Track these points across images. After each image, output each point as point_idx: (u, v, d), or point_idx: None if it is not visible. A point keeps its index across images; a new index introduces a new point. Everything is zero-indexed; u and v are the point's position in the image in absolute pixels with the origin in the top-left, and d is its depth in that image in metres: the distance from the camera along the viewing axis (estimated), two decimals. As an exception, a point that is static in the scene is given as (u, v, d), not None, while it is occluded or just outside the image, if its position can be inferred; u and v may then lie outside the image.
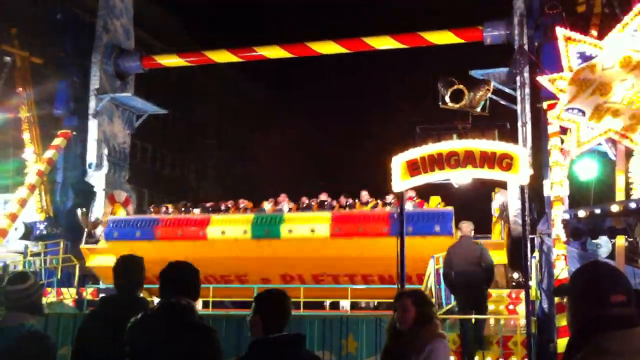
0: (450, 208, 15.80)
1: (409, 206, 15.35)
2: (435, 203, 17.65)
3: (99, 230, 18.58)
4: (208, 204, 18.89)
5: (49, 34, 20.98)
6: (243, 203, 17.89)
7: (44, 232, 18.85)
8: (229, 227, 16.16)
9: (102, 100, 19.89)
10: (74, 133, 19.81)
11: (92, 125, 19.86)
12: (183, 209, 18.20)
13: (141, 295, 4.92)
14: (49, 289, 16.96)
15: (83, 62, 20.31)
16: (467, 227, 11.54)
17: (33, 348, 4.36)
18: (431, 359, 4.70)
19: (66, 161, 19.98)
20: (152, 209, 19.06)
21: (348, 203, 16.80)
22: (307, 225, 15.62)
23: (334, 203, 16.96)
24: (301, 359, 3.90)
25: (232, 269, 16.75)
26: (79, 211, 18.35)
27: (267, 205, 17.41)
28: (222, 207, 17.99)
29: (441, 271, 13.57)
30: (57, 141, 19.41)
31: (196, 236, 16.08)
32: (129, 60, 20.81)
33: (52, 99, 20.31)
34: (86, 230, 18.13)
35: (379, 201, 16.60)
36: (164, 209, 18.66)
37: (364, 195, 16.82)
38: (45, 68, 20.80)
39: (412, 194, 16.37)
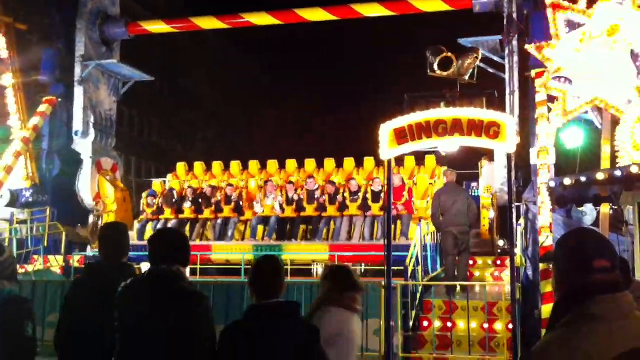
0: None
1: (402, 239, 15.45)
2: (431, 163, 17.67)
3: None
4: (194, 186, 18.67)
5: (34, 0, 20.67)
6: (232, 193, 17.64)
7: (30, 199, 18.77)
8: (232, 253, 16.49)
9: (88, 67, 19.74)
10: (59, 100, 19.65)
11: (78, 92, 19.78)
12: (173, 201, 18.07)
13: (126, 262, 4.95)
14: (35, 257, 16.97)
15: (68, 29, 20.08)
16: (452, 174, 13.32)
17: (14, 310, 4.64)
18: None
19: (52, 128, 19.83)
20: (142, 201, 18.99)
21: (337, 196, 16.59)
22: (306, 254, 16.15)
23: (322, 199, 16.71)
24: (295, 327, 3.93)
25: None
26: (76, 230, 18.38)
27: (257, 206, 17.17)
28: (211, 198, 17.76)
29: (428, 238, 13.75)
30: (43, 108, 19.24)
31: (202, 259, 16.17)
32: (115, 26, 20.58)
33: (37, 66, 20.06)
34: (89, 238, 18.15)
35: (367, 195, 16.32)
36: (150, 198, 18.44)
37: (353, 184, 16.59)
38: (30, 34, 20.51)
39: (399, 181, 15.78)
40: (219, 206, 17.58)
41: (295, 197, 16.94)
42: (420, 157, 17.95)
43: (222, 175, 19.85)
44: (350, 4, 18.69)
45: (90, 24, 20.12)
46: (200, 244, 16.58)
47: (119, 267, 4.74)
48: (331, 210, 16.58)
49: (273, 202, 16.85)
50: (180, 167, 20.56)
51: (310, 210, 16.76)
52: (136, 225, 18.20)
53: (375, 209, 15.99)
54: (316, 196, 16.77)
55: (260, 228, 17.03)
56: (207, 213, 17.69)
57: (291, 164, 19.52)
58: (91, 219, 19.13)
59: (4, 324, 4.51)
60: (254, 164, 19.68)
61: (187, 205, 17.83)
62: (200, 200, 17.82)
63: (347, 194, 16.50)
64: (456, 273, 12.78)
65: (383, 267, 9.57)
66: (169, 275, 4.10)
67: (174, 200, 17.99)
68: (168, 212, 17.90)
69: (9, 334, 4.51)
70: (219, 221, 17.46)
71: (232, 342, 3.87)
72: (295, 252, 15.87)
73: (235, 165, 19.89)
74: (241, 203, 17.55)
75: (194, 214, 17.83)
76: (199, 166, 20.36)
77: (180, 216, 17.85)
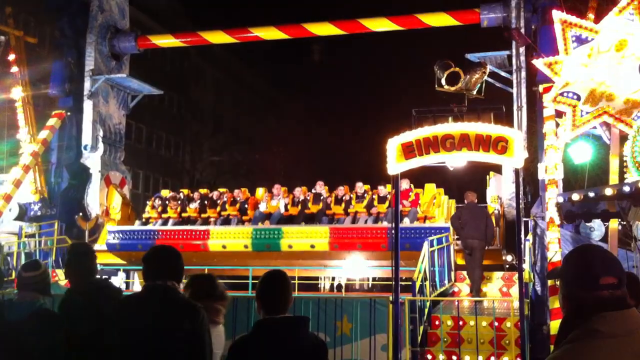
0: (447, 224, 15.65)
1: (406, 222, 15.56)
2: (430, 192, 17.57)
3: (100, 220, 18.79)
4: (203, 192, 18.82)
5: (44, 14, 20.80)
6: (238, 195, 17.86)
7: (39, 213, 18.80)
8: (229, 240, 16.32)
9: (97, 82, 19.80)
10: (69, 113, 19.71)
11: (87, 106, 19.80)
12: (179, 201, 18.21)
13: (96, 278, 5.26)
14: (43, 270, 16.98)
15: (78, 42, 20.14)
16: (473, 195, 14.50)
17: (44, 323, 4.73)
18: None
19: (60, 142, 19.86)
20: (148, 202, 19.23)
21: (343, 197, 16.75)
22: (306, 240, 15.85)
23: (329, 199, 16.86)
24: (302, 341, 3.93)
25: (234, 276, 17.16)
26: (76, 217, 18.40)
27: (263, 205, 17.27)
28: (218, 200, 17.91)
29: (436, 253, 13.72)
30: (52, 122, 19.32)
31: (198, 248, 16.17)
32: (124, 40, 20.69)
33: (46, 79, 20.18)
34: (87, 231, 18.20)
35: (373, 196, 16.51)
36: (157, 200, 18.67)
37: (359, 186, 16.80)
38: (40, 48, 20.64)
39: (407, 185, 16.30)
40: (224, 207, 17.75)
41: (302, 198, 17.09)
42: (419, 184, 17.81)
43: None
44: (358, 18, 18.74)
45: (100, 38, 20.21)
46: (198, 229, 16.55)
47: (88, 286, 4.99)
48: (336, 209, 16.70)
49: (278, 202, 16.99)
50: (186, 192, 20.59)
51: (314, 209, 16.87)
52: (137, 223, 18.51)
53: (381, 208, 16.18)
54: (322, 197, 16.92)
55: (261, 225, 17.10)
56: (210, 212, 17.78)
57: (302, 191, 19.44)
58: (94, 214, 19.10)
59: (32, 336, 4.64)
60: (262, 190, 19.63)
61: (192, 205, 18.02)
62: (206, 202, 18.00)
63: (353, 196, 16.69)
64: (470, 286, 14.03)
65: (391, 282, 9.53)
66: (165, 290, 4.26)
67: (180, 199, 18.20)
68: (171, 212, 18.04)
69: (36, 346, 4.65)
70: (221, 219, 17.58)
71: (241, 357, 3.90)
72: (294, 236, 15.76)
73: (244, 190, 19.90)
74: (246, 206, 17.69)
75: (198, 214, 17.92)
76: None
77: (183, 215, 17.99)
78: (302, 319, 4.06)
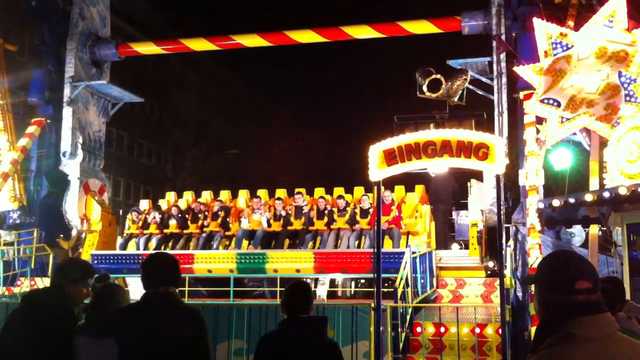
0: (431, 249, 15.64)
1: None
2: (412, 203, 17.46)
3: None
4: (183, 208, 18.43)
5: (24, 21, 20.65)
6: (220, 208, 17.56)
7: (17, 221, 18.62)
8: (214, 265, 16.20)
9: (77, 88, 19.62)
10: (48, 121, 19.56)
11: (67, 113, 19.60)
12: (160, 216, 17.88)
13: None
14: (22, 279, 16.79)
15: (58, 50, 20.01)
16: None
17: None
18: None
19: (40, 150, 19.71)
20: (127, 217, 18.91)
21: (325, 210, 16.62)
22: (291, 265, 15.75)
23: (312, 213, 16.74)
24: (321, 339, 4.57)
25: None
26: (57, 239, 18.17)
27: (245, 221, 17.04)
28: (199, 214, 17.63)
29: (417, 260, 13.70)
30: (31, 129, 19.16)
31: (183, 271, 16.01)
32: (105, 47, 20.55)
33: (26, 87, 20.03)
34: (69, 250, 17.98)
35: (355, 209, 16.37)
36: (134, 213, 18.33)
37: (341, 202, 16.59)
38: (20, 55, 20.48)
39: (389, 198, 16.06)
40: (205, 221, 17.49)
41: (283, 213, 16.90)
42: (409, 185, 17.78)
43: (212, 202, 19.55)
44: (339, 25, 18.75)
45: (81, 45, 20.04)
46: (182, 253, 16.43)
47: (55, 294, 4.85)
48: (319, 225, 16.56)
49: (260, 217, 16.80)
50: (169, 195, 20.30)
51: (297, 225, 16.71)
52: (119, 240, 18.16)
53: (363, 223, 16.01)
54: (304, 211, 16.76)
55: (245, 242, 16.88)
56: (192, 228, 17.55)
57: (281, 193, 19.26)
58: (74, 232, 18.87)
59: None
60: (244, 193, 19.44)
61: (172, 222, 17.68)
62: (187, 216, 17.71)
63: (335, 209, 16.53)
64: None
65: (373, 289, 9.51)
66: (164, 296, 4.39)
67: (160, 215, 17.84)
68: (153, 227, 17.73)
69: None
70: (204, 235, 17.31)
71: (268, 350, 4.51)
72: (279, 261, 15.68)
73: (225, 193, 19.66)
74: (228, 219, 17.44)
75: (179, 230, 17.68)
76: (188, 194, 20.12)
77: (165, 231, 17.69)
78: (322, 319, 4.71)
